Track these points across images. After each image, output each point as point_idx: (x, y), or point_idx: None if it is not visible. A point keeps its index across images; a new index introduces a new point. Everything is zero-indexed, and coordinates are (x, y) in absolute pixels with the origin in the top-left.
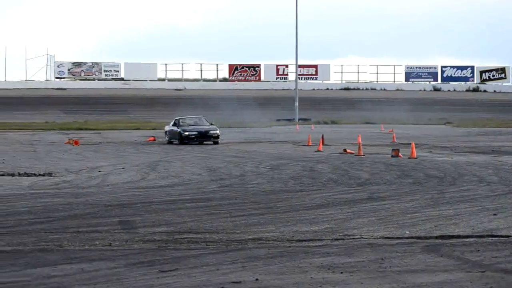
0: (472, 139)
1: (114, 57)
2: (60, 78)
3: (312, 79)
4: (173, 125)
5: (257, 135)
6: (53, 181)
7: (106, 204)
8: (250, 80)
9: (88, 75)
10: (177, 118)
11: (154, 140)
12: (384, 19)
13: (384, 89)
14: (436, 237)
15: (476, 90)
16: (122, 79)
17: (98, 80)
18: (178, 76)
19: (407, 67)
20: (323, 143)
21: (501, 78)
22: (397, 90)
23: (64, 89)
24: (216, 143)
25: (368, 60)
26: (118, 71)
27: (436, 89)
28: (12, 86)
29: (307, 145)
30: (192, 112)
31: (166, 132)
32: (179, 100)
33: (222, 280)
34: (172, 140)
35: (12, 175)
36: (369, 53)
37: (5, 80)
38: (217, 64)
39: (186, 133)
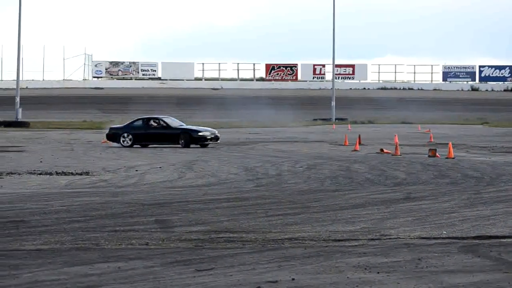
0: (510, 139)
1: (151, 57)
2: (98, 77)
3: (349, 78)
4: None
5: (293, 135)
6: (90, 180)
7: (143, 203)
8: (287, 80)
9: (125, 75)
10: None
11: None
12: (422, 19)
13: (421, 89)
14: (473, 238)
15: None
16: (159, 78)
17: (136, 79)
18: (215, 75)
19: (445, 67)
20: (359, 143)
21: None
22: (435, 90)
23: (102, 88)
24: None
25: (406, 60)
26: (155, 71)
27: (473, 89)
28: (50, 85)
29: (344, 145)
30: (228, 112)
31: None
32: (216, 99)
33: (258, 280)
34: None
35: (50, 174)
36: (407, 53)
37: (43, 80)
38: (254, 64)
39: (200, 134)
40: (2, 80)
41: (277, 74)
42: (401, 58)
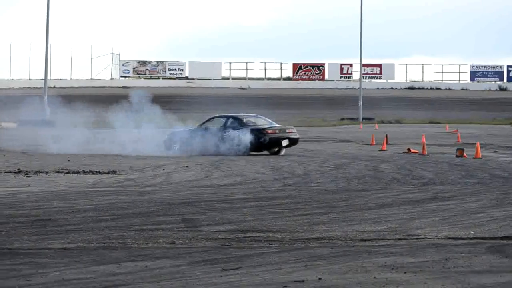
0: None
1: (178, 56)
2: (125, 76)
3: (376, 78)
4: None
5: (320, 134)
6: (117, 179)
7: (170, 202)
8: (314, 79)
9: (152, 74)
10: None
11: None
12: (449, 18)
13: (449, 89)
14: (501, 238)
15: None
16: (186, 77)
17: (163, 78)
18: (242, 75)
19: (473, 67)
20: (387, 142)
21: None
22: (462, 89)
23: (129, 87)
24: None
25: (433, 60)
26: (182, 70)
27: (501, 89)
28: (77, 84)
29: (371, 144)
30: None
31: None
32: (243, 98)
33: (285, 279)
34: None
35: (77, 172)
36: (434, 53)
37: (71, 79)
38: (281, 63)
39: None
40: (30, 79)
41: (304, 73)
42: (428, 58)
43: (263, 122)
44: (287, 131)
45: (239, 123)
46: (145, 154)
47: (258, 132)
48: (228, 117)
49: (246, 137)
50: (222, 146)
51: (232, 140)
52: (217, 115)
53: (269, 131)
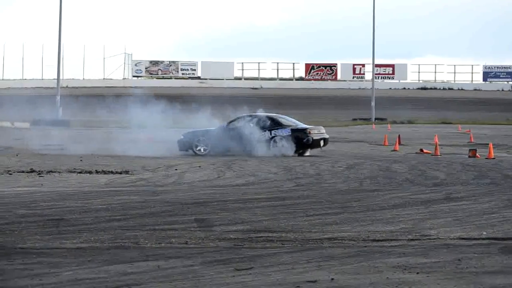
0: None
1: (191, 56)
2: (137, 76)
3: (389, 78)
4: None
5: (333, 134)
6: (130, 179)
7: (182, 202)
8: (327, 79)
9: (165, 74)
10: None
11: None
12: (462, 18)
13: (462, 89)
14: None
15: None
16: (199, 77)
17: (175, 78)
18: (255, 75)
19: (485, 67)
20: (399, 143)
21: None
22: (475, 90)
23: (141, 87)
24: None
25: (446, 60)
26: (195, 70)
27: None
28: (90, 84)
29: (383, 145)
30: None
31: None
32: (255, 99)
33: (297, 279)
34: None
35: (90, 172)
36: (447, 53)
37: (83, 79)
38: (293, 63)
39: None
40: (43, 79)
41: (317, 73)
42: (441, 58)
43: (294, 121)
44: (322, 131)
45: (275, 123)
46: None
47: (301, 133)
48: (259, 117)
49: (289, 137)
50: (260, 146)
51: (275, 140)
52: (244, 114)
53: (311, 131)
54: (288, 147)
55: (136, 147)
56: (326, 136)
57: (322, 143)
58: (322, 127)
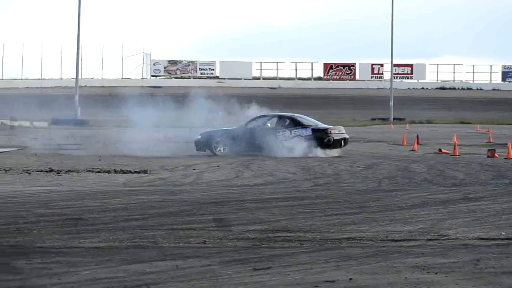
0: None
1: (209, 56)
2: (156, 76)
3: (407, 78)
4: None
5: (351, 134)
6: (148, 178)
7: (200, 202)
8: (345, 79)
9: (183, 73)
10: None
11: None
12: (481, 18)
13: (480, 89)
14: None
15: None
16: (217, 77)
17: (194, 78)
18: (273, 74)
19: (504, 67)
20: (417, 143)
21: None
22: (494, 90)
23: (160, 87)
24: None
25: (465, 60)
26: (213, 70)
27: None
28: (108, 84)
29: (402, 145)
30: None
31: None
32: (274, 98)
33: (316, 279)
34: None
35: (108, 172)
36: (466, 53)
37: (102, 78)
38: (312, 63)
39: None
40: (61, 79)
41: (335, 73)
42: (460, 58)
43: (314, 121)
44: (342, 131)
45: (295, 123)
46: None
47: (322, 132)
48: (279, 116)
49: (310, 137)
50: (281, 146)
51: (295, 140)
52: (262, 114)
53: (332, 131)
54: (308, 147)
55: (155, 147)
56: (346, 136)
57: (342, 143)
58: (342, 127)
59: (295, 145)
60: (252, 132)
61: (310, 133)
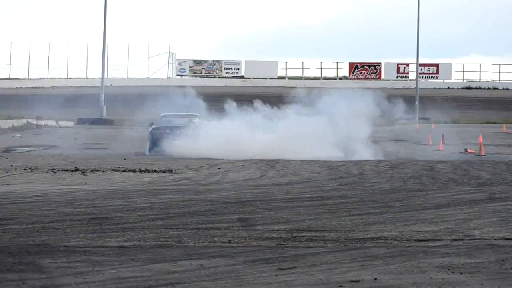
0: None
1: (234, 55)
2: (181, 75)
3: (433, 78)
4: None
5: (376, 134)
6: (173, 178)
7: (225, 201)
8: (370, 79)
9: (208, 73)
10: None
11: None
12: (507, 17)
13: (507, 89)
14: None
15: None
16: (242, 77)
17: (219, 77)
18: (298, 74)
19: None
20: (443, 143)
21: None
22: None
23: (185, 86)
24: None
25: (491, 59)
26: (238, 69)
27: None
28: (134, 83)
29: (427, 144)
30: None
31: None
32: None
33: (340, 279)
34: None
35: (134, 171)
36: (492, 52)
37: (127, 77)
38: (337, 63)
39: None
40: (87, 78)
41: (361, 73)
42: (486, 58)
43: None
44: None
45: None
46: None
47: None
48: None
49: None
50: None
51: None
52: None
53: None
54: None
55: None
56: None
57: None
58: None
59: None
60: None
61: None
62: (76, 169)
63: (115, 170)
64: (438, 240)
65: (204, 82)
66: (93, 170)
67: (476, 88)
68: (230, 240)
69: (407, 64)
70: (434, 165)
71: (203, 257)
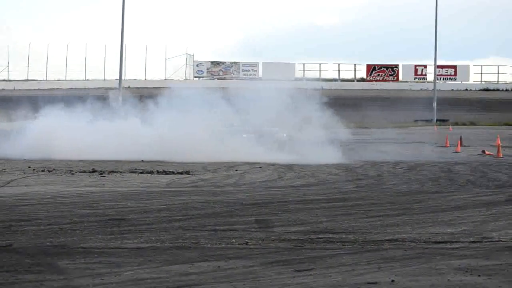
0: None
1: (252, 57)
2: (199, 77)
3: (451, 79)
4: None
5: (394, 136)
6: (190, 179)
7: (242, 203)
8: (388, 81)
9: (226, 75)
10: None
11: None
12: None
13: None
14: None
15: None
16: (260, 79)
17: (236, 79)
18: (316, 76)
19: None
20: (461, 144)
21: None
22: None
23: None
24: None
25: (509, 61)
26: (256, 71)
27: None
28: (151, 84)
29: (445, 146)
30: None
31: None
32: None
33: (357, 281)
34: None
35: (151, 172)
36: (510, 54)
37: (145, 79)
38: (355, 64)
39: None
40: (105, 80)
41: (378, 74)
42: (504, 59)
43: None
44: None
45: None
46: None
47: None
48: None
49: None
50: None
51: None
52: None
53: None
54: None
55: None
56: None
57: None
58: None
59: None
60: None
61: None
62: (94, 171)
63: (132, 172)
64: (455, 242)
65: (222, 84)
66: (111, 172)
67: (494, 90)
68: (247, 242)
69: (425, 66)
70: (452, 167)
71: (220, 259)
